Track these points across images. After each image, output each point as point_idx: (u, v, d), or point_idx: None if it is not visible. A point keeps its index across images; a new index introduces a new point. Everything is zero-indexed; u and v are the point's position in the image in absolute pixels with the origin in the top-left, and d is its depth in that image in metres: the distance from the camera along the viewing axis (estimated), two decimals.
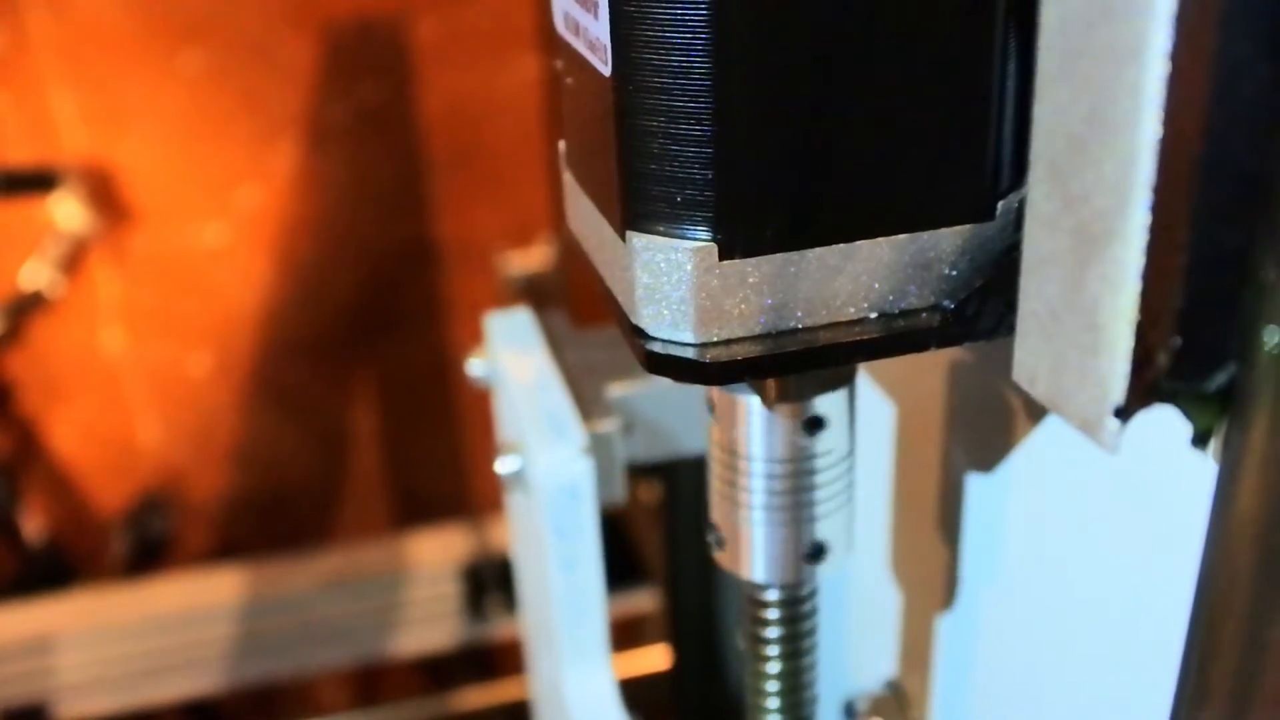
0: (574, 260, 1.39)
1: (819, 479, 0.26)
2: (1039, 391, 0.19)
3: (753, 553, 0.28)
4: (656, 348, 0.22)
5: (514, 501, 0.44)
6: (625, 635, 1.30)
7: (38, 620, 1.34)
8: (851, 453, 0.27)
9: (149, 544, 1.58)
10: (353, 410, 1.67)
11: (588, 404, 0.40)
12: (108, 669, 1.33)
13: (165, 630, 1.34)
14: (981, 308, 0.22)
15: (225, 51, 1.46)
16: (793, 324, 0.22)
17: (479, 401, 1.67)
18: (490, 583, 1.37)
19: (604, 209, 0.24)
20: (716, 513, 0.28)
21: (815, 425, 0.26)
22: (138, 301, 1.54)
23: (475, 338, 1.55)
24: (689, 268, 0.21)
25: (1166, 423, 0.20)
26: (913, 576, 0.35)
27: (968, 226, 0.22)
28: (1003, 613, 0.31)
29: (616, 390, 0.42)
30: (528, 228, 1.55)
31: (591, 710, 0.41)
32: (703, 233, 0.21)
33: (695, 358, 0.22)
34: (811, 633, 0.30)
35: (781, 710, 0.31)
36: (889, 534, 0.36)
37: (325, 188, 1.53)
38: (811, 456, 0.26)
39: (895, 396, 0.33)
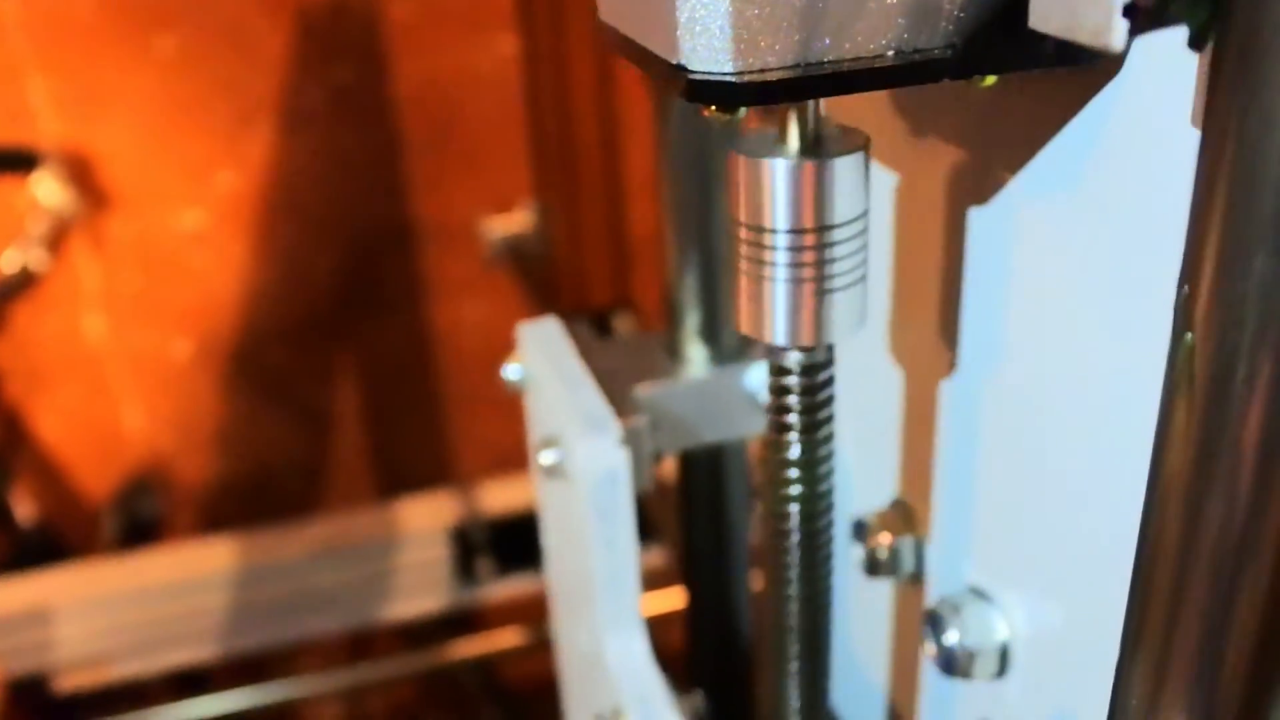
0: (554, 220, 1.41)
1: (839, 243, 0.29)
2: (1054, 26, 0.22)
3: (774, 316, 0.30)
4: (697, 78, 0.25)
5: (550, 490, 0.48)
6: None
7: (35, 593, 1.35)
8: (866, 219, 0.30)
9: (139, 526, 1.59)
10: (335, 391, 1.69)
11: (617, 402, 0.44)
12: (106, 640, 1.35)
13: (158, 601, 1.36)
14: (992, 44, 0.25)
15: (198, 36, 1.47)
16: (819, 57, 0.25)
17: (459, 380, 1.69)
18: (479, 546, 1.39)
19: None
20: (741, 284, 0.30)
21: (832, 187, 0.28)
22: (118, 288, 1.55)
23: (454, 316, 1.57)
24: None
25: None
26: (912, 383, 0.39)
27: None
28: (1001, 410, 0.34)
29: (642, 390, 0.46)
30: (505, 207, 1.57)
31: (631, 670, 0.45)
32: None
33: (733, 81, 0.25)
34: (828, 404, 0.33)
35: (802, 496, 0.34)
36: (887, 332, 0.40)
37: (302, 171, 1.55)
38: (829, 224, 0.29)
39: (896, 172, 0.37)
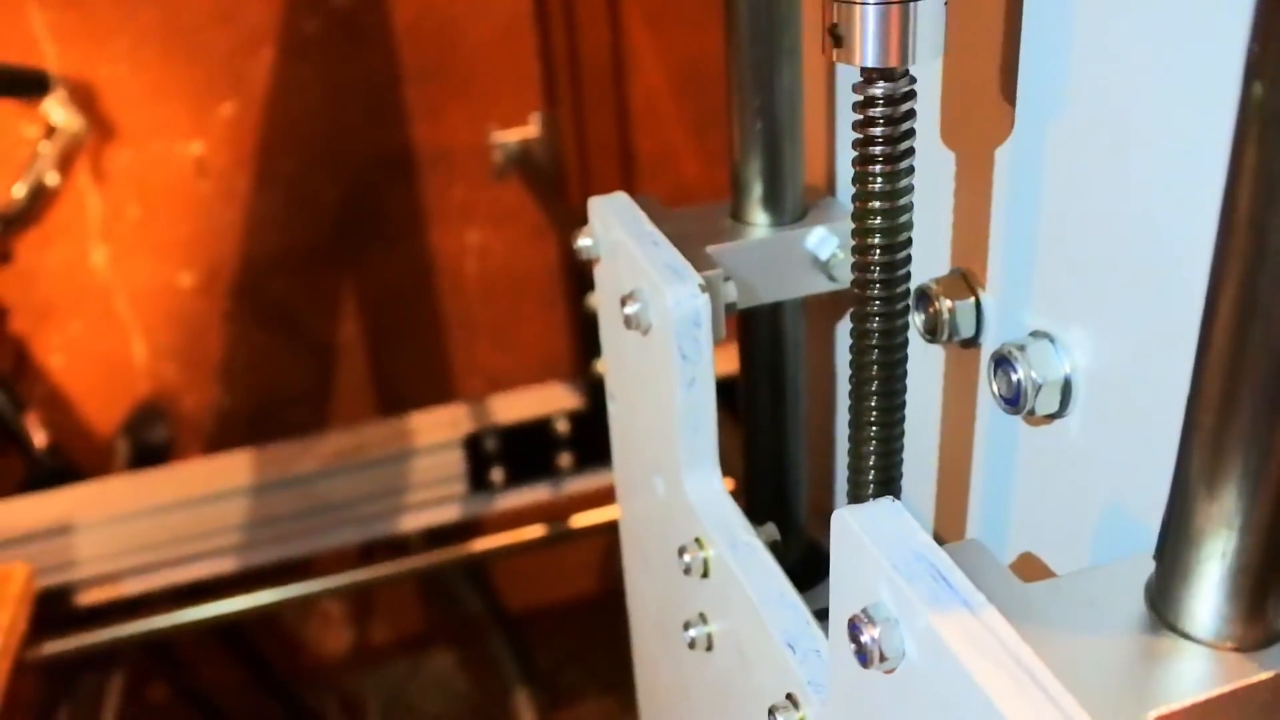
0: (561, 133, 1.42)
1: None
2: None
3: (864, 37, 0.34)
4: None
5: (627, 344, 0.52)
6: None
7: (58, 510, 1.38)
8: None
9: (148, 453, 1.62)
10: (337, 319, 1.71)
11: (692, 259, 0.48)
12: (126, 554, 1.38)
13: (179, 515, 1.39)
14: None
15: None
16: None
17: (461, 306, 1.72)
18: (491, 456, 1.43)
19: None
20: (833, 11, 0.35)
21: None
22: (122, 219, 1.57)
23: (455, 243, 1.60)
24: None
25: None
26: (969, 150, 0.42)
27: None
28: (1061, 161, 0.38)
29: (713, 248, 0.51)
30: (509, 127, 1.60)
31: (710, 502, 0.49)
32: None
33: None
34: (910, 135, 0.37)
35: (885, 212, 0.38)
36: (940, 106, 0.44)
37: (303, 99, 1.57)
38: None
39: None
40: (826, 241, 0.52)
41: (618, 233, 0.51)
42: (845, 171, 0.55)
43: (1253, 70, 0.24)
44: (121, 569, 1.40)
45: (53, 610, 1.35)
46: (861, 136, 0.37)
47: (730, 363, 0.56)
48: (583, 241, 0.54)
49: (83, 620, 1.38)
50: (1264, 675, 0.28)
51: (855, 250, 0.39)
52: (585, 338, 1.55)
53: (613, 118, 1.46)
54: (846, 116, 0.53)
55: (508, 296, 1.74)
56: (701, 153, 1.65)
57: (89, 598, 1.41)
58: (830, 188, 0.56)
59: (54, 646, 1.31)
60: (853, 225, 0.39)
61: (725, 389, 0.50)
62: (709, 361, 0.47)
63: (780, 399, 0.55)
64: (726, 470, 0.51)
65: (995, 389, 0.40)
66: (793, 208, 0.52)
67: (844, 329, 0.59)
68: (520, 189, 1.60)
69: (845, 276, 0.51)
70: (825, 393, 0.61)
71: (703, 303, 0.46)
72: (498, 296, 1.74)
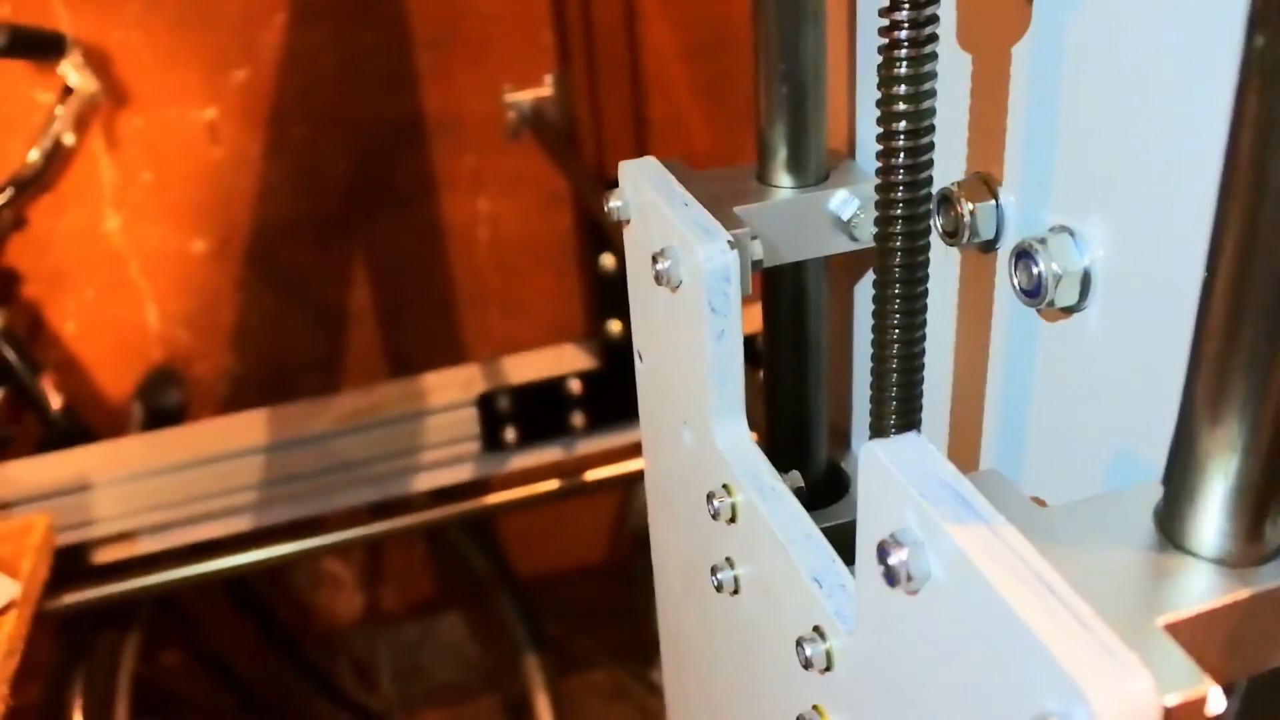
0: (574, 95, 1.44)
1: None
2: None
3: None
4: None
5: (656, 300, 0.55)
6: None
7: (75, 469, 1.41)
8: None
9: (162, 417, 1.64)
10: (349, 286, 1.73)
11: (720, 218, 0.50)
12: (141, 513, 1.40)
13: (194, 474, 1.41)
14: None
15: None
16: None
17: (471, 273, 1.74)
18: (505, 416, 1.45)
19: None
20: None
21: None
22: (135, 186, 1.58)
23: (467, 209, 1.62)
24: None
25: None
26: (986, 53, 0.44)
27: None
28: (1078, 64, 0.39)
29: (740, 208, 0.53)
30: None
31: (739, 450, 0.51)
32: None
33: None
34: (934, 31, 0.39)
35: (910, 115, 0.40)
36: (955, 16, 0.45)
37: (315, 66, 1.58)
38: None
39: None
40: (848, 203, 0.54)
41: (648, 194, 0.53)
42: (866, 136, 0.57)
43: (1255, 22, 0.26)
44: (137, 527, 1.42)
45: (69, 568, 1.38)
46: (888, 23, 0.39)
47: (753, 322, 0.59)
48: (613, 203, 0.56)
49: (98, 576, 1.40)
50: (1264, 588, 0.31)
51: (880, 155, 0.41)
52: (598, 299, 1.56)
53: (625, 83, 1.48)
54: (867, 82, 0.55)
55: (519, 263, 1.76)
56: (710, 121, 1.67)
57: (105, 556, 1.43)
58: (851, 151, 0.58)
59: (72, 598, 1.33)
60: (878, 128, 0.41)
61: (747, 347, 0.52)
62: (737, 315, 0.50)
63: (803, 355, 0.58)
64: (749, 425, 0.53)
65: (1016, 282, 0.42)
66: (816, 170, 0.54)
67: (864, 289, 0.61)
68: (531, 155, 1.62)
69: (866, 237, 0.54)
70: (844, 351, 0.64)
71: (732, 258, 0.48)
72: (509, 263, 1.76)
